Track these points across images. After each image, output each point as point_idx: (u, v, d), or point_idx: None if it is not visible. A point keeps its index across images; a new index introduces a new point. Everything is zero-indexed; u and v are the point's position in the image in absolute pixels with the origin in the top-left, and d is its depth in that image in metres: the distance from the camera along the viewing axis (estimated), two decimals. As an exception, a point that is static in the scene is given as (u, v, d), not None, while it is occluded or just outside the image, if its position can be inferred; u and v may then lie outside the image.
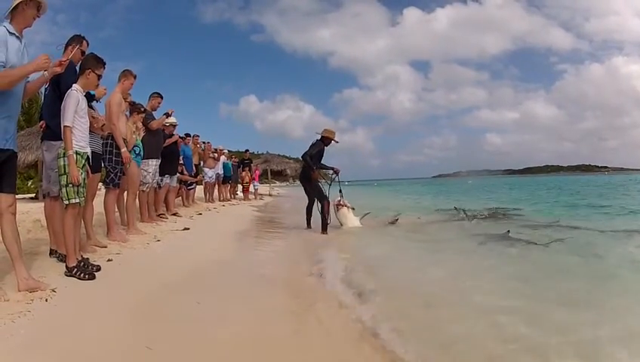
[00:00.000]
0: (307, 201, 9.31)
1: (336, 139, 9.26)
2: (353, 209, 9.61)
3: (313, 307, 3.74)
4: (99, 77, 4.47)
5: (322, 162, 9.23)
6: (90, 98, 5.39)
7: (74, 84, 4.20)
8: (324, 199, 8.80)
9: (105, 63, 4.70)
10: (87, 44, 4.91)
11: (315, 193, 8.97)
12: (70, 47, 4.47)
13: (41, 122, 4.55)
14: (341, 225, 9.25)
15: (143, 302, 3.58)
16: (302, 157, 9.14)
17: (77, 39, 4.82)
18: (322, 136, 9.14)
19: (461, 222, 10.29)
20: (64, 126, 4.02)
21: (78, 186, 4.04)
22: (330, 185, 9.49)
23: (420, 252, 6.74)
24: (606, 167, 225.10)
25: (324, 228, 8.53)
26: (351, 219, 9.38)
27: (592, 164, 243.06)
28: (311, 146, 9.03)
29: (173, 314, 3.38)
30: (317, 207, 8.92)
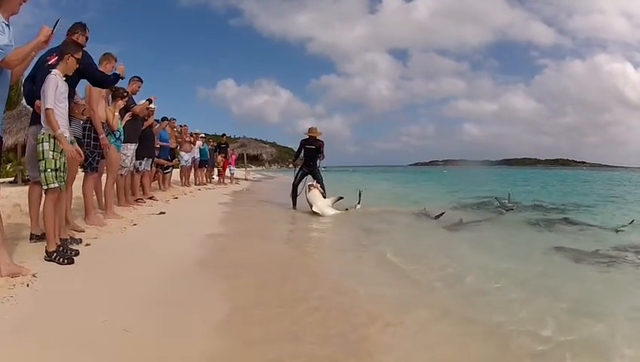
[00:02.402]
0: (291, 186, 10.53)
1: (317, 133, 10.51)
2: (323, 194, 9.94)
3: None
4: (77, 60, 4.47)
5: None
6: (116, 78, 5.54)
7: (53, 69, 4.23)
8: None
9: (86, 27, 4.98)
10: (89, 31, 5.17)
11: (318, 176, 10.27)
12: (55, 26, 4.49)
13: (37, 102, 4.49)
14: (310, 206, 9.57)
15: (120, 286, 3.68)
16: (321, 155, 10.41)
17: (80, 27, 5.00)
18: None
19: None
20: (46, 108, 4.07)
21: (56, 171, 4.11)
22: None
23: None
24: (584, 162, 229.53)
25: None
26: (322, 202, 9.68)
27: (570, 159, 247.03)
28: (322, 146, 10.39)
29: (150, 297, 3.48)
30: (305, 189, 10.04)
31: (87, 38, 5.17)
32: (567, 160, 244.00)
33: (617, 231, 7.76)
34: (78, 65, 4.44)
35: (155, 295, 3.55)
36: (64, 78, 4.29)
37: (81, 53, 4.48)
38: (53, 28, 3.75)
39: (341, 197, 10.08)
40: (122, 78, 5.82)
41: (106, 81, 5.64)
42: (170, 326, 2.93)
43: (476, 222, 8.75)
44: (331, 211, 9.58)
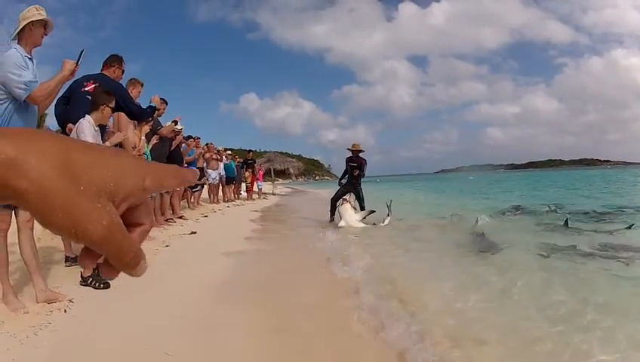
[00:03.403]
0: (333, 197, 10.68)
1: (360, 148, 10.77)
2: (355, 209, 9.98)
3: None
4: (112, 110, 4.55)
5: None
6: (152, 110, 5.66)
7: (87, 115, 4.30)
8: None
9: (122, 60, 5.07)
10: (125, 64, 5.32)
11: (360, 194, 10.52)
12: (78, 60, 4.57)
13: (70, 125, 4.58)
14: (340, 219, 9.72)
15: (157, 310, 3.69)
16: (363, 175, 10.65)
17: (117, 60, 5.12)
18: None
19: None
20: None
21: None
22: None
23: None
24: (608, 161, 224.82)
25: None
26: (351, 216, 9.66)
27: (595, 158, 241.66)
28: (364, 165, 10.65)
29: (187, 321, 3.47)
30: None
31: (123, 71, 5.28)
32: (592, 159, 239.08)
33: None
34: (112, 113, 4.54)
35: (193, 318, 3.53)
36: (97, 127, 4.37)
37: (114, 102, 4.54)
38: (78, 60, 3.82)
39: (373, 211, 10.00)
40: (158, 110, 5.90)
41: (143, 115, 5.72)
42: (210, 350, 2.92)
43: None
44: (359, 224, 9.54)
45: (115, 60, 5.20)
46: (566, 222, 8.91)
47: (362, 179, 10.66)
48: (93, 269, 4.22)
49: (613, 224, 9.13)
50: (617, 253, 6.03)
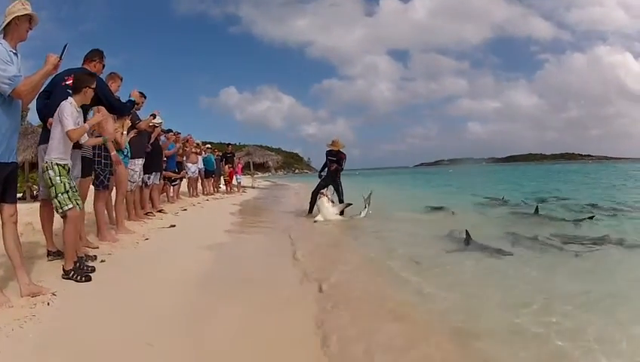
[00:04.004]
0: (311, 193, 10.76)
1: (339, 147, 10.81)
2: (333, 202, 10.10)
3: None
4: (93, 90, 4.57)
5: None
6: (131, 104, 5.69)
7: (70, 97, 4.34)
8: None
9: (103, 54, 5.15)
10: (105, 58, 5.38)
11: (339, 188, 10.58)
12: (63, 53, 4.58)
13: (50, 119, 4.55)
14: (318, 212, 9.87)
15: (137, 301, 3.79)
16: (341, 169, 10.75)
17: (97, 55, 5.14)
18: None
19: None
20: (67, 131, 4.17)
21: (67, 192, 4.20)
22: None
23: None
24: (590, 156, 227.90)
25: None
26: (328, 209, 9.83)
27: (576, 153, 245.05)
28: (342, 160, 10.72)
29: (167, 312, 3.57)
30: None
31: (104, 66, 5.31)
32: (573, 154, 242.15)
33: None
34: (94, 94, 4.56)
35: (174, 310, 3.64)
36: (79, 108, 4.40)
37: (95, 82, 4.58)
38: (61, 54, 3.85)
39: (349, 204, 10.18)
40: (137, 105, 5.94)
41: (122, 109, 5.76)
42: (191, 341, 3.01)
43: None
44: (336, 217, 9.73)
45: (95, 55, 5.23)
46: (536, 210, 9.95)
47: (341, 173, 10.77)
48: (75, 263, 4.29)
49: (581, 214, 9.77)
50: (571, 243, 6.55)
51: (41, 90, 4.35)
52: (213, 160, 17.13)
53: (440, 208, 11.69)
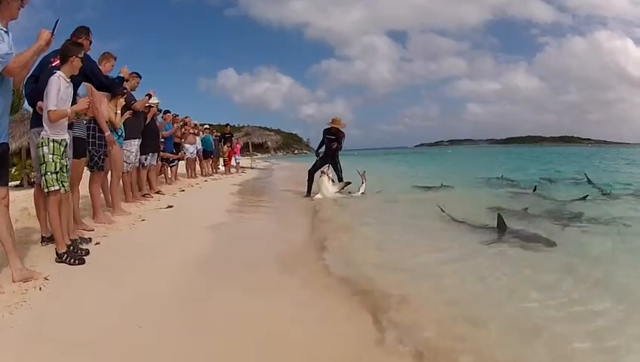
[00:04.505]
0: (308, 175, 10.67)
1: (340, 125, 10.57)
2: (333, 181, 10.17)
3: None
4: (81, 59, 4.43)
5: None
6: (120, 81, 5.55)
7: (57, 71, 4.21)
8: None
9: (90, 31, 5.01)
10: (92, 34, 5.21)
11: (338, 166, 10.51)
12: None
13: (39, 103, 4.44)
14: (318, 190, 9.93)
15: (131, 284, 3.72)
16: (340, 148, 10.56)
17: (84, 31, 4.99)
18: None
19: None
20: (48, 111, 4.06)
21: (57, 173, 4.13)
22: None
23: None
24: (589, 139, 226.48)
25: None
26: (327, 188, 9.90)
27: (575, 136, 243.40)
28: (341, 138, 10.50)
29: (161, 294, 3.51)
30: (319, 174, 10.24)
31: (91, 42, 5.16)
32: (572, 137, 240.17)
33: None
34: (82, 65, 4.42)
35: (167, 291, 3.58)
36: (69, 80, 4.27)
37: (83, 52, 4.45)
38: (53, 30, 3.72)
39: (349, 183, 10.22)
40: (127, 81, 5.82)
41: (111, 85, 5.64)
42: (184, 324, 2.95)
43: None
44: (335, 196, 9.77)
45: (82, 32, 5.07)
46: (534, 189, 10.36)
47: (340, 152, 10.68)
48: (68, 246, 4.22)
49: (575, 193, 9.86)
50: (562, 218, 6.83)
51: (29, 74, 4.26)
52: (212, 140, 16.98)
53: (437, 187, 11.82)
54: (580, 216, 6.85)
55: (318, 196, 9.73)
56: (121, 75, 5.74)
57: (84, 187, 5.79)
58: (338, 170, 10.44)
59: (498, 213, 6.06)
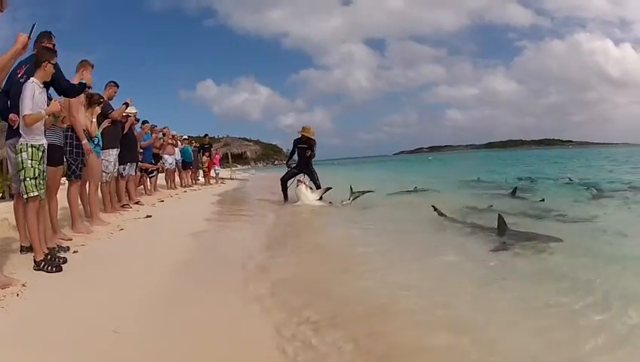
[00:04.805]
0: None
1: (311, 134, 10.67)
2: (311, 188, 10.18)
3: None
4: (54, 66, 4.45)
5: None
6: (82, 87, 5.49)
7: (32, 77, 4.21)
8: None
9: (52, 35, 5.03)
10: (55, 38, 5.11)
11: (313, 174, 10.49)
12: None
13: (11, 115, 4.44)
14: (297, 199, 9.93)
15: (108, 290, 3.72)
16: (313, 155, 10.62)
17: (46, 36, 4.93)
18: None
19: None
20: (24, 115, 4.05)
21: (36, 179, 4.12)
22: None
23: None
24: (570, 141, 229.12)
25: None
26: (307, 196, 9.92)
27: (556, 138, 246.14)
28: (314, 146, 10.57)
29: (137, 300, 3.51)
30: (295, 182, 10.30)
31: (53, 45, 5.11)
32: (554, 139, 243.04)
33: None
34: (54, 71, 4.42)
35: (143, 297, 3.58)
36: (42, 86, 4.27)
37: (56, 58, 4.45)
38: (30, 33, 3.75)
39: (329, 188, 10.21)
40: (89, 88, 5.75)
41: (71, 90, 5.51)
42: (160, 329, 2.96)
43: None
44: (316, 203, 9.78)
45: (44, 36, 5.01)
46: (514, 191, 10.32)
47: (314, 160, 10.75)
48: (46, 254, 4.19)
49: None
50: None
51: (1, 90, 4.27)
52: (191, 151, 16.89)
53: (417, 191, 12.12)
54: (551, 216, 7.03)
55: (298, 203, 9.76)
56: (83, 81, 5.65)
57: (62, 197, 5.76)
58: (315, 179, 10.47)
59: (499, 214, 5.91)
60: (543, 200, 8.89)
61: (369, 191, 10.69)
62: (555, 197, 9.68)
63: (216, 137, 50.06)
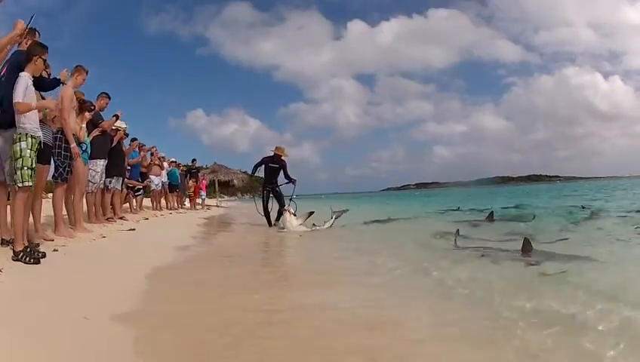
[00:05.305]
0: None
1: (285, 154, 10.98)
2: (295, 215, 10.19)
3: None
4: (44, 61, 4.52)
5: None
6: (55, 82, 5.47)
7: (23, 72, 4.25)
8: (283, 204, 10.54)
9: (36, 31, 5.02)
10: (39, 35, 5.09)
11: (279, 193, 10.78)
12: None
13: None
14: (283, 227, 9.95)
15: (84, 283, 3.76)
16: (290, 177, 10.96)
17: (29, 32, 4.96)
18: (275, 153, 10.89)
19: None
20: (16, 102, 4.09)
21: (32, 170, 4.19)
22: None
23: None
24: (557, 176, 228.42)
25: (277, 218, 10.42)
26: (291, 222, 9.92)
27: (543, 174, 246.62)
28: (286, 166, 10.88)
29: (112, 293, 3.54)
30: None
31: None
32: (540, 175, 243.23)
33: None
34: (45, 67, 4.47)
35: (117, 291, 3.61)
36: (32, 79, 4.31)
37: (47, 54, 4.50)
38: (28, 23, 3.83)
39: (312, 212, 10.25)
40: (63, 83, 5.71)
41: (45, 84, 5.50)
42: (128, 314, 3.01)
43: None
44: (300, 228, 9.80)
45: (29, 33, 5.06)
46: (491, 215, 10.75)
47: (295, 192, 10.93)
48: (26, 247, 4.14)
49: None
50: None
51: None
52: (178, 174, 16.80)
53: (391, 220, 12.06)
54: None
55: (284, 230, 9.76)
56: (58, 77, 5.62)
57: (46, 207, 5.74)
58: (279, 199, 10.70)
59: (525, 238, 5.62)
60: (534, 217, 9.11)
61: (346, 211, 11.22)
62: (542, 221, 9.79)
63: (204, 166, 49.73)
